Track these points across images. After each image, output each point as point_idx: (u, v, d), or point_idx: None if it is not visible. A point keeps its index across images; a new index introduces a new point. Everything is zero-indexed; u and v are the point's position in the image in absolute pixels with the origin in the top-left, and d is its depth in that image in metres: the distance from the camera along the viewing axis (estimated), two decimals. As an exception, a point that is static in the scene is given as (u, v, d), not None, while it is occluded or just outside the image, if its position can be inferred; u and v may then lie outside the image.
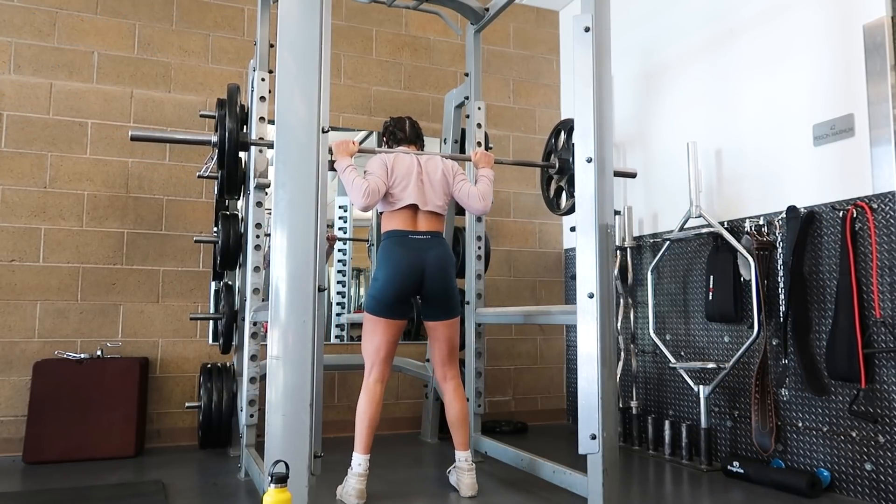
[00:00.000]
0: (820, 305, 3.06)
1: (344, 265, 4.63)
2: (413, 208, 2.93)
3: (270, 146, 3.24)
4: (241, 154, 3.34)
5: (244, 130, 3.28)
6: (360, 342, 3.00)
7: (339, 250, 4.63)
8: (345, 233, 4.66)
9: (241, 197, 3.67)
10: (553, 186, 3.72)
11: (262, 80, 3.39)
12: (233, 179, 3.27)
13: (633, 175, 3.48)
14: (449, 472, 3.02)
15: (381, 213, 3.05)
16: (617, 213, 4.05)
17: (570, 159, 3.46)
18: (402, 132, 3.16)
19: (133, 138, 2.91)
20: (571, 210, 3.52)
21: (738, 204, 3.54)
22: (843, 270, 2.91)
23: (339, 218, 4.60)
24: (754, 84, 3.51)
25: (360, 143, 4.69)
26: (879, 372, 2.80)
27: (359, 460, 2.76)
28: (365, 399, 2.86)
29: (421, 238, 2.91)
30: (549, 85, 5.21)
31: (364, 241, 4.74)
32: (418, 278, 2.85)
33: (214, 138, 3.06)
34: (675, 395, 3.85)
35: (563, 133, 3.57)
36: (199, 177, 3.48)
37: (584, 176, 2.50)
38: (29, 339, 3.79)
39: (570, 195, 3.52)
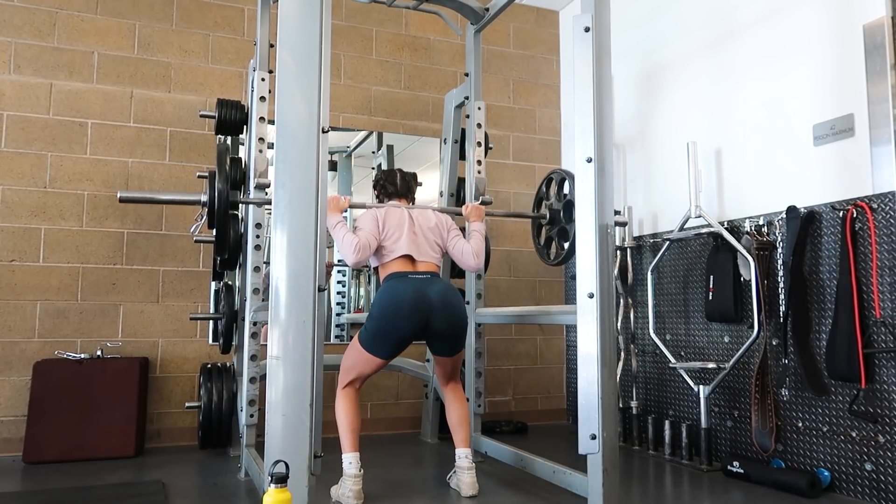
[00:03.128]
0: (820, 305, 3.06)
1: (344, 265, 4.63)
2: (408, 257, 2.92)
3: (260, 205, 3.23)
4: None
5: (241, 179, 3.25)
6: (351, 342, 2.98)
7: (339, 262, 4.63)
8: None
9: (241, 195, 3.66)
10: (544, 236, 3.74)
11: (262, 80, 3.39)
12: (224, 239, 3.22)
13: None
14: (449, 478, 3.00)
15: (375, 269, 3.01)
16: (617, 213, 4.05)
17: (561, 211, 3.50)
18: (392, 186, 3.14)
19: (122, 200, 2.93)
20: (563, 261, 3.55)
21: (738, 204, 3.54)
22: (843, 270, 2.91)
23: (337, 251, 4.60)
24: (754, 84, 3.51)
25: (358, 144, 4.69)
26: (879, 372, 2.80)
27: (349, 459, 2.74)
28: (342, 402, 2.86)
29: (422, 277, 2.87)
30: (549, 85, 5.21)
31: (364, 267, 4.74)
32: (424, 317, 2.78)
33: (204, 198, 3.03)
34: (675, 395, 3.85)
35: (553, 183, 3.59)
36: (193, 235, 3.35)
37: (584, 176, 2.50)
38: (29, 339, 3.79)
39: (561, 247, 3.55)
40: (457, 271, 3.97)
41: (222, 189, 2.98)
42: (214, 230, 3.17)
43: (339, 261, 4.62)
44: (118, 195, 2.90)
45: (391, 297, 2.80)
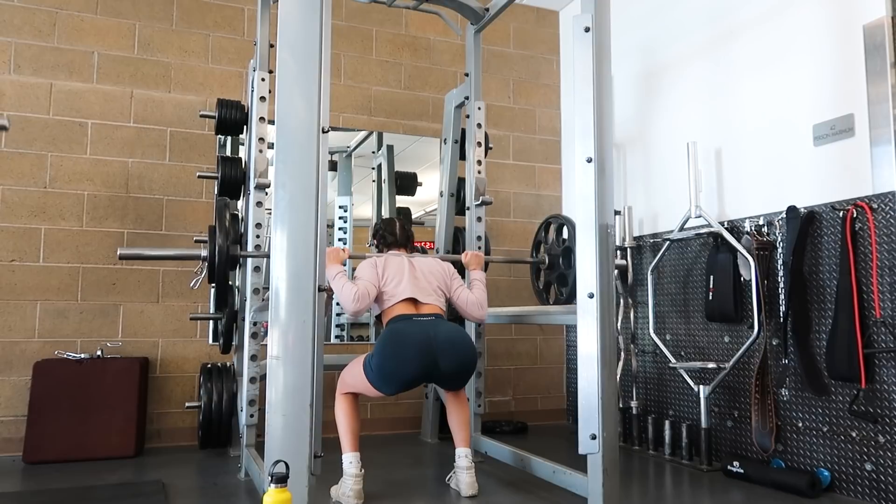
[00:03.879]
0: (820, 305, 3.06)
1: (344, 265, 4.62)
2: (411, 301, 2.89)
3: (263, 256, 3.22)
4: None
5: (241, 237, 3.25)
6: (359, 343, 2.98)
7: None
8: (345, 233, 4.66)
9: (242, 197, 3.67)
10: (542, 280, 3.75)
11: (262, 80, 3.39)
12: (224, 292, 3.22)
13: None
14: (448, 479, 3.00)
15: (377, 317, 2.98)
16: (617, 213, 4.05)
17: (560, 257, 3.51)
18: (392, 236, 3.14)
19: (122, 257, 2.96)
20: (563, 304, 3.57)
21: (738, 204, 3.54)
22: (843, 270, 2.91)
23: (339, 218, 4.60)
24: (754, 84, 3.51)
25: (358, 144, 4.69)
26: (879, 372, 2.80)
27: (349, 459, 2.74)
28: (342, 404, 2.86)
29: (426, 319, 2.83)
30: (549, 85, 5.21)
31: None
32: (430, 361, 2.72)
33: (204, 253, 3.03)
34: (675, 395, 3.85)
35: (552, 228, 3.61)
36: (192, 284, 3.33)
37: (584, 176, 2.50)
38: (29, 339, 3.79)
39: (560, 292, 3.57)
40: None
41: (222, 245, 2.99)
42: (214, 285, 3.18)
43: (339, 240, 4.63)
44: (118, 253, 2.91)
45: (397, 339, 2.75)
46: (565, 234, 3.57)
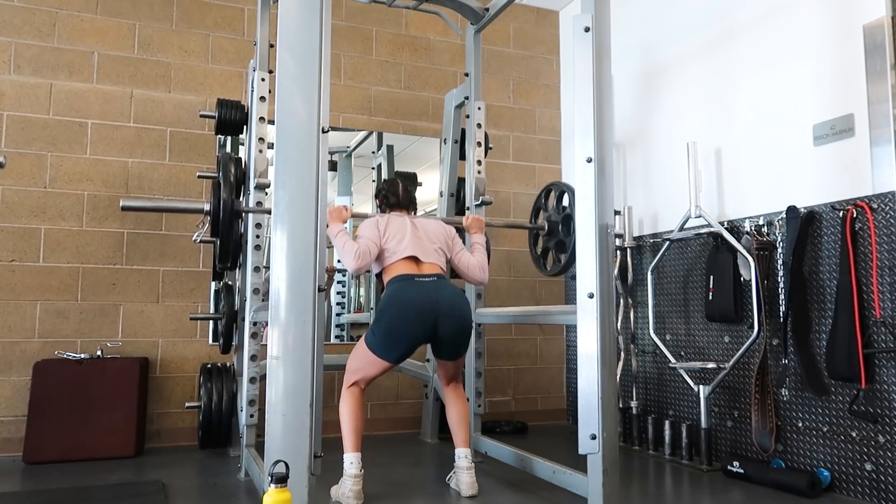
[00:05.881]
0: (820, 305, 3.06)
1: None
2: (413, 259, 2.90)
3: (265, 212, 3.23)
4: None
5: (240, 197, 3.23)
6: (358, 343, 2.98)
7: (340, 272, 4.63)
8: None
9: (241, 196, 3.66)
10: (540, 246, 3.74)
11: (262, 80, 3.39)
12: (227, 247, 3.22)
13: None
14: (449, 479, 3.00)
15: (378, 275, 2.99)
16: (617, 213, 4.05)
17: (560, 224, 3.50)
18: (395, 196, 3.13)
19: (124, 208, 2.95)
20: (560, 272, 3.56)
21: (738, 204, 3.54)
22: (843, 270, 2.91)
23: (338, 261, 4.60)
24: (754, 84, 3.51)
25: (358, 144, 4.69)
26: (879, 372, 2.80)
27: (350, 459, 2.74)
28: (347, 401, 2.84)
29: (429, 280, 2.84)
30: (549, 85, 5.21)
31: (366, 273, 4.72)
32: (431, 322, 2.76)
33: (207, 206, 3.02)
34: (675, 395, 3.85)
35: (553, 195, 3.60)
36: (195, 239, 3.30)
37: (584, 176, 2.50)
38: (29, 339, 3.79)
39: (557, 259, 3.56)
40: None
41: (226, 198, 2.98)
42: (218, 238, 3.16)
43: (338, 260, 4.63)
44: (121, 204, 2.90)
45: (400, 300, 2.77)
46: (565, 202, 3.55)
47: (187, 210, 3.22)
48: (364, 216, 3.14)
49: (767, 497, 2.92)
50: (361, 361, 2.85)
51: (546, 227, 3.66)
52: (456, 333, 2.83)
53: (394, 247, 2.89)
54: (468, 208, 3.83)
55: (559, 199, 3.60)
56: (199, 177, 3.65)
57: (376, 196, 3.24)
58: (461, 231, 3.35)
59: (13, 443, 3.64)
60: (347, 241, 2.84)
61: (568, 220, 3.48)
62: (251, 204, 3.31)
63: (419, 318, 2.75)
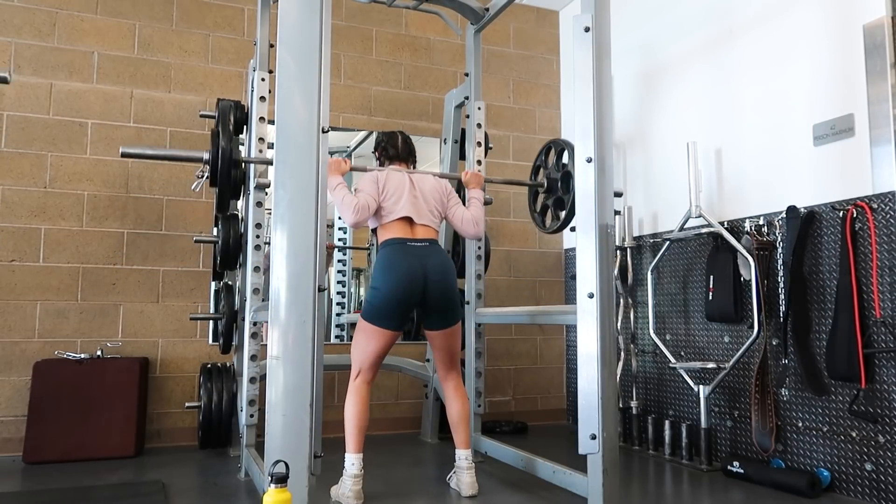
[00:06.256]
0: (820, 305, 3.06)
1: (344, 265, 4.64)
2: (407, 220, 2.92)
3: (264, 163, 3.24)
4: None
5: (240, 143, 3.23)
6: (356, 327, 2.98)
7: (339, 250, 4.64)
8: (345, 232, 4.66)
9: (242, 197, 3.66)
10: (539, 203, 3.72)
11: (262, 80, 3.39)
12: (225, 196, 3.24)
13: None
14: (449, 479, 3.01)
15: (374, 231, 3.02)
16: (617, 213, 4.06)
17: (559, 181, 3.49)
18: (394, 149, 3.13)
19: (123, 155, 2.94)
20: (559, 230, 3.54)
21: (738, 204, 3.54)
22: (843, 270, 2.91)
23: (339, 217, 4.60)
24: (754, 84, 3.51)
25: (358, 144, 4.69)
26: (879, 372, 2.80)
27: (352, 460, 2.74)
28: (353, 399, 2.83)
29: (420, 245, 2.89)
30: (549, 85, 5.21)
31: (364, 248, 4.74)
32: (420, 287, 2.82)
33: (206, 155, 3.02)
34: (675, 395, 3.85)
35: (553, 152, 3.58)
36: (193, 189, 3.39)
37: (584, 176, 2.50)
38: (29, 339, 3.79)
39: (556, 216, 3.54)
40: (458, 240, 3.99)
41: (225, 147, 2.97)
42: (216, 192, 3.17)
43: (339, 239, 4.63)
44: (120, 150, 2.90)
45: (391, 266, 2.82)
46: (565, 159, 3.53)
47: (187, 158, 3.22)
48: (363, 169, 3.14)
49: (767, 497, 2.92)
50: (362, 341, 2.86)
51: (545, 184, 3.62)
52: (440, 298, 2.86)
53: (390, 206, 2.91)
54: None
55: (559, 156, 3.55)
56: (202, 116, 3.75)
57: (375, 148, 3.23)
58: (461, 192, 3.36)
59: (13, 443, 3.64)
60: (346, 194, 2.85)
61: (567, 177, 3.42)
62: (251, 204, 3.31)
63: (409, 281, 2.80)
